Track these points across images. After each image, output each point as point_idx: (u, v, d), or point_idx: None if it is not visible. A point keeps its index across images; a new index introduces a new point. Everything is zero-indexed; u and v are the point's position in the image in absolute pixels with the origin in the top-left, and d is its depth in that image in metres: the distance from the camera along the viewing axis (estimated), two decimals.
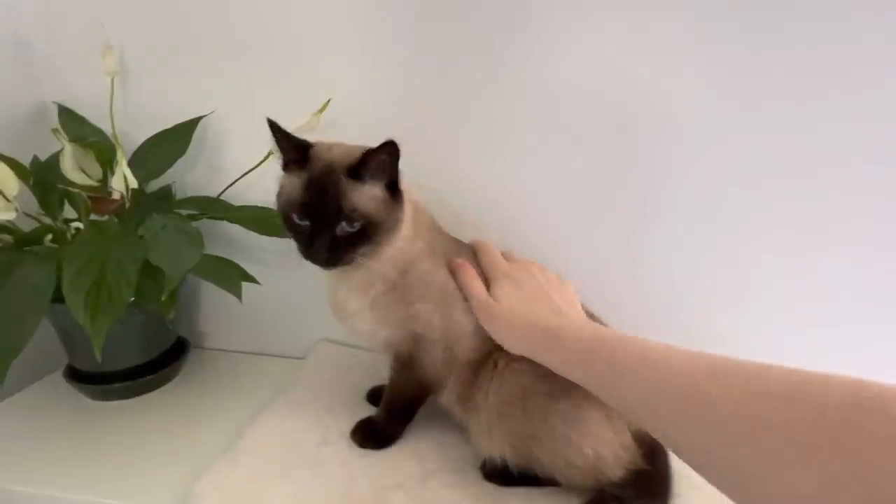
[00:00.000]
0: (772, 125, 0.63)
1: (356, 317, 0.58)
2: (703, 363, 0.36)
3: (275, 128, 0.52)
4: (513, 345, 0.51)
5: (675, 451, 0.38)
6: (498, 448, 0.53)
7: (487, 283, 0.56)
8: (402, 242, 0.54)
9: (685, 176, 0.67)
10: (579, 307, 0.55)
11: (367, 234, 0.50)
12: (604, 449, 0.50)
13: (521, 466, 0.53)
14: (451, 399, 0.59)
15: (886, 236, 0.64)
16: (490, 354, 0.56)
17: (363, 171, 0.50)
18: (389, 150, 0.49)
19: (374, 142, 0.70)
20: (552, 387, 0.51)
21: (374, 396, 0.69)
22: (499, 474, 0.54)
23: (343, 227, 0.50)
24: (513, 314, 0.51)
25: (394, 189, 0.52)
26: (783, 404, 0.30)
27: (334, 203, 0.49)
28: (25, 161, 0.68)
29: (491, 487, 0.55)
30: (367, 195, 0.50)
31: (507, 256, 0.60)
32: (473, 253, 0.61)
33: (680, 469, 0.54)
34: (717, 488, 0.34)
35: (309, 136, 0.69)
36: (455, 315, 0.56)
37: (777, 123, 0.62)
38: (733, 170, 0.65)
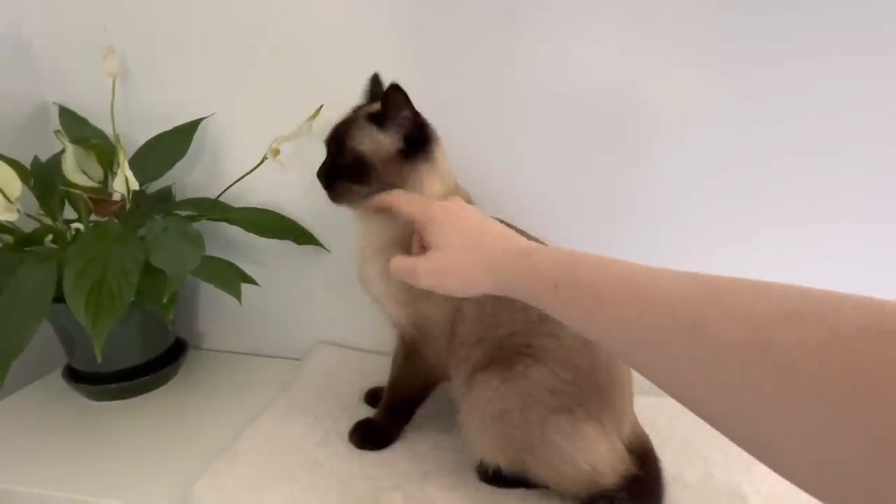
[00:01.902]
0: (768, 114, 0.64)
1: (373, 282, 0.58)
2: (700, 283, 0.31)
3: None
4: (477, 284, 0.43)
5: (666, 390, 0.32)
6: (490, 453, 0.53)
7: (420, 234, 0.48)
8: None
9: (683, 172, 0.68)
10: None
11: (360, 173, 0.53)
12: (600, 463, 0.50)
13: (513, 472, 0.53)
14: (459, 383, 0.57)
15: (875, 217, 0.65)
16: (507, 351, 0.54)
17: (385, 120, 0.53)
18: (391, 92, 0.51)
19: None
20: (556, 402, 0.51)
21: (371, 398, 0.69)
22: (494, 476, 0.55)
23: (341, 159, 0.55)
24: (466, 252, 0.43)
25: (412, 147, 0.53)
26: (788, 325, 0.25)
27: (339, 135, 0.55)
28: (26, 162, 0.68)
29: (487, 489, 0.55)
30: (373, 139, 0.53)
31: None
32: None
33: (671, 470, 0.55)
34: (717, 430, 0.29)
35: (304, 142, 0.70)
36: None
37: (773, 112, 0.64)
38: (733, 166, 0.66)
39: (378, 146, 0.53)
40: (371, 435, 0.61)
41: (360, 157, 0.53)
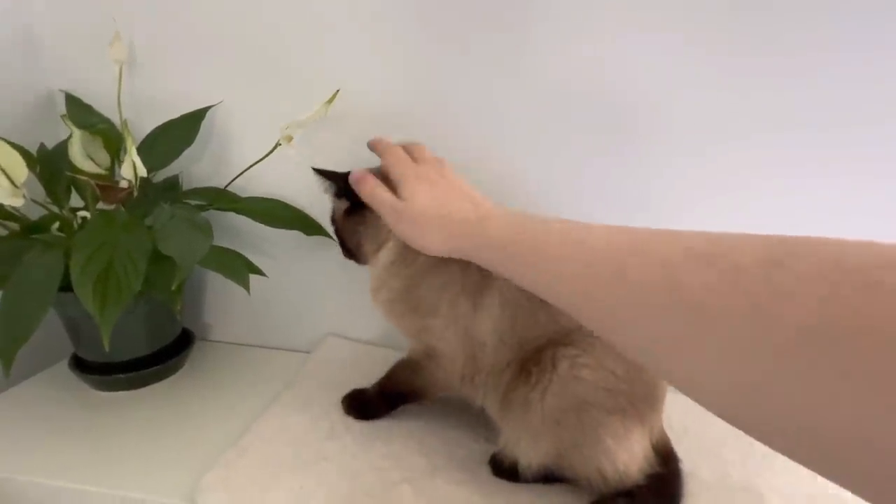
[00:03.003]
0: (782, 113, 0.62)
1: (380, 310, 0.61)
2: (625, 234, 0.33)
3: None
4: (432, 245, 0.49)
5: (603, 337, 0.35)
6: (541, 455, 0.51)
7: (394, 187, 0.52)
8: (393, 255, 0.57)
9: (695, 169, 0.66)
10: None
11: (341, 238, 0.62)
12: (633, 464, 0.50)
13: (550, 470, 0.52)
14: (492, 403, 0.56)
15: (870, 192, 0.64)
16: (543, 351, 0.52)
17: (337, 191, 0.60)
18: (316, 175, 0.59)
19: (383, 132, 0.70)
20: (611, 402, 0.49)
21: None
22: (509, 471, 0.54)
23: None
24: (427, 212, 0.48)
25: (353, 206, 0.58)
26: (695, 266, 0.27)
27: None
28: (32, 149, 0.67)
29: (497, 483, 0.54)
30: (336, 207, 0.62)
31: (415, 154, 0.56)
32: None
33: (687, 468, 0.54)
34: (648, 368, 0.33)
35: (319, 127, 0.69)
36: (472, 327, 0.55)
37: (787, 111, 0.62)
38: (735, 165, 0.65)
39: (338, 212, 0.61)
40: (360, 405, 0.63)
41: (335, 225, 0.63)
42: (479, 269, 0.53)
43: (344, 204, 0.59)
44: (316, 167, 0.58)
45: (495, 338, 0.54)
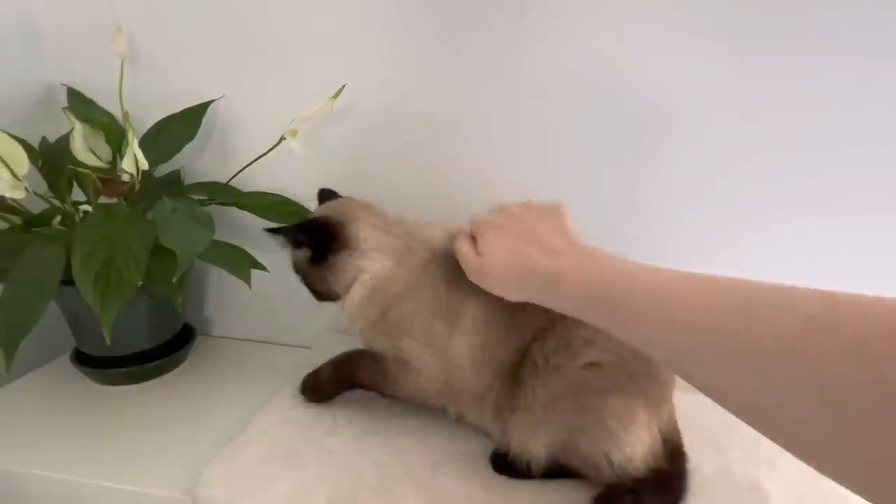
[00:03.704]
0: (787, 113, 0.62)
1: (357, 338, 0.62)
2: (726, 292, 0.32)
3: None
4: (507, 295, 0.49)
5: (703, 392, 0.34)
6: (545, 444, 0.51)
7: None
8: (366, 290, 0.57)
9: (699, 169, 0.66)
10: (574, 236, 0.48)
11: (309, 285, 0.62)
12: (638, 450, 0.49)
13: (557, 461, 0.52)
14: (485, 415, 0.56)
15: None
16: (524, 355, 0.53)
17: (295, 243, 0.60)
18: (273, 235, 0.59)
19: (383, 131, 0.70)
20: (602, 382, 0.49)
21: None
22: (510, 466, 0.53)
23: None
24: (498, 266, 0.47)
25: (316, 254, 0.58)
26: (814, 333, 0.26)
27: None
28: (34, 143, 0.67)
29: (501, 478, 0.54)
30: (298, 257, 0.61)
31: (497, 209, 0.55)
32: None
33: (693, 465, 0.54)
34: (755, 429, 0.31)
35: (322, 122, 0.69)
36: (449, 350, 0.55)
37: (793, 110, 0.61)
38: (747, 165, 0.64)
39: (300, 260, 0.61)
40: (313, 388, 0.64)
41: (299, 272, 0.62)
42: (449, 294, 0.54)
43: (306, 254, 0.59)
44: (266, 227, 0.58)
45: (470, 358, 0.54)
